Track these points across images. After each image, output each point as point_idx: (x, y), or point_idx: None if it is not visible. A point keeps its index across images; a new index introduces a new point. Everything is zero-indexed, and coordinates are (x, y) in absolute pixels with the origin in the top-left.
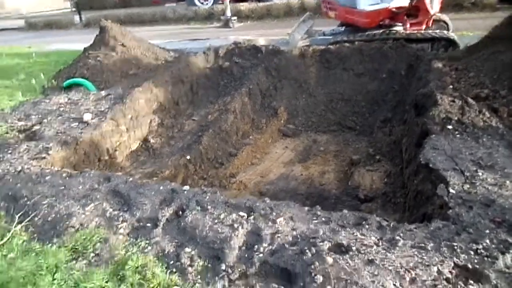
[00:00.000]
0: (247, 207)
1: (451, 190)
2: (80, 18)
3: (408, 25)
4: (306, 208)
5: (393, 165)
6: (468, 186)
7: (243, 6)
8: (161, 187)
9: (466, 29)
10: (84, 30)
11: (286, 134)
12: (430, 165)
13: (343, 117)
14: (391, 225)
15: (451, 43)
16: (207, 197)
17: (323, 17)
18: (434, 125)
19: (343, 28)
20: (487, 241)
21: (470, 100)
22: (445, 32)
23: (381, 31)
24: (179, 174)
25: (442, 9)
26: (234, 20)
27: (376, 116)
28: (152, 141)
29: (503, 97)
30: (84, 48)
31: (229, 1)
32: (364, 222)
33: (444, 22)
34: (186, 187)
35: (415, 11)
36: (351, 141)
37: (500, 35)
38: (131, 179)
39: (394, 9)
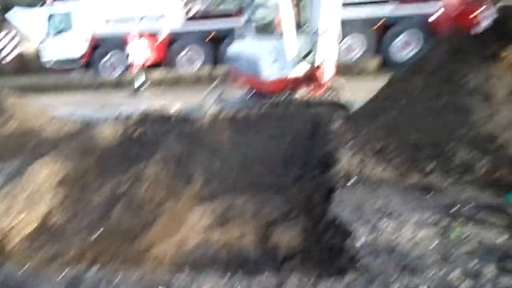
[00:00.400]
0: (164, 282)
1: (358, 242)
2: None
3: (306, 92)
4: (227, 276)
5: (309, 220)
6: (372, 235)
7: (154, 73)
8: (63, 273)
9: (357, 92)
10: None
11: (202, 199)
12: (338, 220)
13: (258, 178)
14: (310, 283)
15: (343, 106)
16: (119, 277)
17: (232, 84)
18: (337, 181)
19: (251, 94)
20: (396, 286)
21: (366, 154)
22: (338, 96)
23: (283, 97)
24: (87, 253)
25: (336, 75)
26: (145, 87)
27: (289, 174)
28: (53, 219)
29: (393, 149)
30: None
31: (139, 69)
32: (283, 284)
33: (338, 87)
34: (94, 269)
35: (310, 80)
36: (268, 200)
37: (385, 95)
38: (25, 267)
39: (292, 78)
